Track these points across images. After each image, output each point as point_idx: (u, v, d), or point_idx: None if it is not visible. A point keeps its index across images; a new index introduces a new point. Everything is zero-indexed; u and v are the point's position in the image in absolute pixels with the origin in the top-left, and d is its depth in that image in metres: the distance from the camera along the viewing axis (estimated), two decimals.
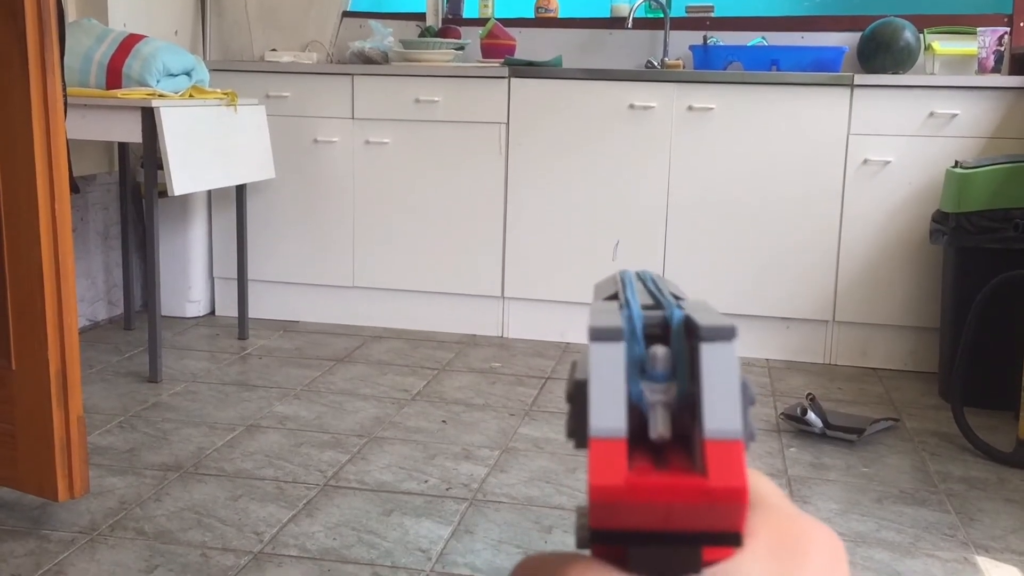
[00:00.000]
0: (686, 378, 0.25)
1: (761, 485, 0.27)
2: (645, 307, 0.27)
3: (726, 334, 0.25)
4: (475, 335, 3.65)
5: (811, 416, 2.66)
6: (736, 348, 0.25)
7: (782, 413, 2.79)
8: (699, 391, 0.25)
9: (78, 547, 1.97)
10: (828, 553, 0.26)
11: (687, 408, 0.25)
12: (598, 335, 0.25)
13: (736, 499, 0.23)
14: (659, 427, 0.25)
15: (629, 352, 0.26)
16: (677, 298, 0.29)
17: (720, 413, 0.24)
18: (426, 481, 2.34)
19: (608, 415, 0.24)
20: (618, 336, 0.25)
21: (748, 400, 0.25)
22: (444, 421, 2.76)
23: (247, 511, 2.16)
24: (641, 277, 0.32)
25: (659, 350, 0.25)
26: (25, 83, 1.86)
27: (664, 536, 0.24)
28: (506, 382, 3.13)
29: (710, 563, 0.24)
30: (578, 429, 0.25)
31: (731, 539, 0.24)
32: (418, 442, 2.59)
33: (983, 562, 2.03)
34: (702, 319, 0.25)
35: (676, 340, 0.26)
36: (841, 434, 2.65)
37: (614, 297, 0.29)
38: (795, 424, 2.71)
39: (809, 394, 2.77)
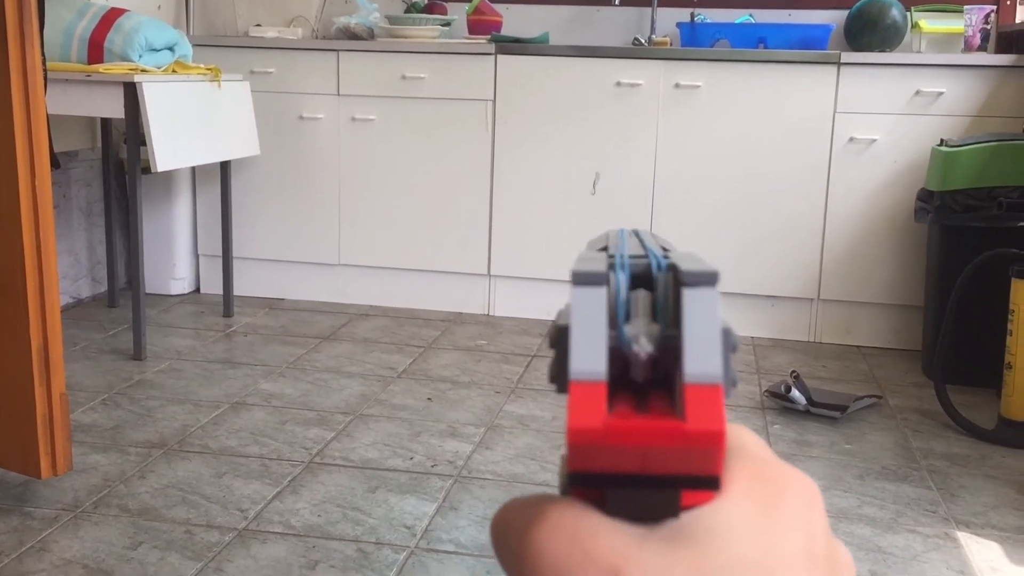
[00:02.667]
0: (669, 324, 0.25)
1: (742, 435, 0.28)
2: (632, 256, 0.27)
3: (709, 279, 0.25)
4: (461, 313, 3.65)
5: (795, 393, 2.68)
6: (718, 294, 0.25)
7: (766, 390, 2.80)
8: (681, 336, 0.24)
9: (61, 524, 1.97)
10: (804, 497, 0.26)
11: (670, 355, 0.25)
12: (581, 279, 0.25)
13: (714, 442, 0.23)
14: (640, 372, 0.25)
15: (613, 296, 0.25)
16: (665, 249, 0.28)
17: (701, 357, 0.24)
18: (411, 458, 2.35)
19: (588, 358, 0.24)
20: (600, 280, 0.25)
21: (730, 346, 0.25)
22: (429, 398, 2.76)
23: (231, 488, 2.16)
24: (634, 233, 0.32)
25: (640, 293, 0.25)
26: (4, 57, 1.83)
27: (643, 480, 0.24)
28: (492, 360, 3.13)
29: (689, 507, 0.25)
30: (560, 374, 0.25)
31: (709, 483, 0.24)
32: (403, 419, 2.59)
33: (964, 537, 2.04)
34: (685, 265, 0.25)
35: (659, 286, 0.26)
36: (825, 411, 2.67)
37: (605, 250, 0.29)
38: (779, 401, 2.73)
39: (793, 371, 2.79)
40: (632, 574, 0.23)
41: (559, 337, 0.25)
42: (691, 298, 0.25)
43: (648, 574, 0.23)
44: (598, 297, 0.25)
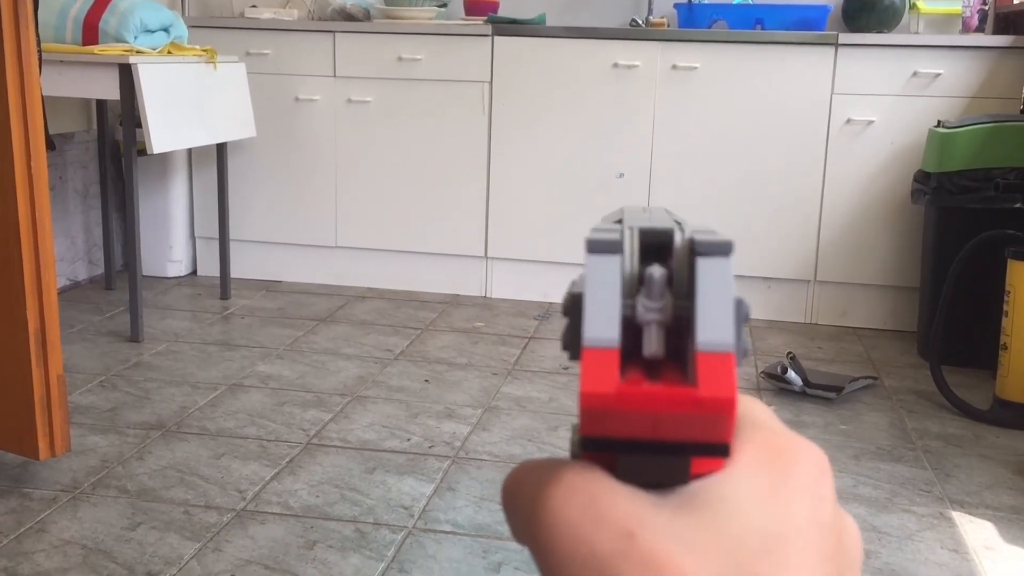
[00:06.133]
0: (682, 295, 0.26)
1: (752, 406, 0.28)
2: (646, 228, 0.27)
3: (722, 249, 0.25)
4: (458, 295, 3.65)
5: (791, 374, 2.69)
6: (732, 264, 0.25)
7: (763, 372, 2.81)
8: (694, 305, 0.25)
9: (60, 505, 1.98)
10: (814, 467, 0.26)
11: (682, 324, 0.25)
12: (595, 247, 0.25)
13: (725, 409, 0.24)
14: (652, 346, 0.25)
15: (627, 266, 0.26)
16: (678, 222, 0.29)
17: (713, 326, 0.24)
18: (409, 439, 2.35)
19: (602, 325, 0.24)
20: (615, 249, 0.25)
21: (742, 316, 0.25)
22: (427, 380, 2.77)
23: (230, 469, 2.16)
24: (646, 209, 0.32)
25: (656, 270, 0.26)
26: None
27: (653, 446, 0.24)
28: (489, 342, 3.13)
29: (699, 475, 0.25)
30: (572, 341, 0.25)
31: (720, 450, 0.25)
32: (401, 401, 2.60)
33: (958, 517, 2.06)
34: (699, 235, 0.26)
35: (674, 256, 0.26)
36: (821, 392, 2.68)
37: (620, 223, 0.29)
38: (775, 382, 2.74)
39: (790, 353, 2.79)
40: (646, 538, 0.23)
41: (572, 305, 0.25)
42: (705, 267, 0.25)
43: (662, 538, 0.23)
44: (612, 265, 0.25)
